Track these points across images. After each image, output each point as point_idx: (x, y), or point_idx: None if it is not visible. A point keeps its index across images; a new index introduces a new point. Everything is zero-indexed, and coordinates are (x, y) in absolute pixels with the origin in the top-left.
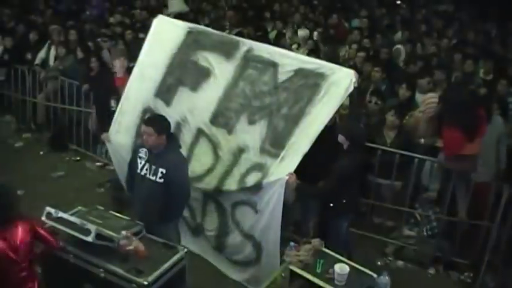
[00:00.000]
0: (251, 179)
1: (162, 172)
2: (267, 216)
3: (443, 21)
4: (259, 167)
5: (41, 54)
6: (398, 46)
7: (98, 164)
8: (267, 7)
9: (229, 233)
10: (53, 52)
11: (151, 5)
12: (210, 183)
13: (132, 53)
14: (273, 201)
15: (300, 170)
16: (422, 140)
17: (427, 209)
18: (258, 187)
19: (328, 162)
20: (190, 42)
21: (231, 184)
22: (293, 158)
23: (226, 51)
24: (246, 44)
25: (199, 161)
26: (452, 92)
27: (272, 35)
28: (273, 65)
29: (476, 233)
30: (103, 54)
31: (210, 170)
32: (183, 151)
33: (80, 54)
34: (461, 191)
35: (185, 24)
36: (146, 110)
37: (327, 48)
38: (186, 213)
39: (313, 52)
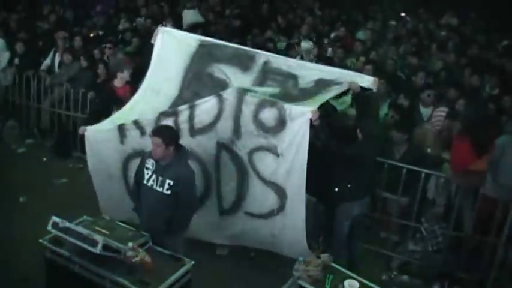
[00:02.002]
0: (266, 115)
1: (169, 184)
2: (291, 159)
3: (447, 34)
4: (270, 103)
5: (47, 61)
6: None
7: None
8: (272, 18)
9: (249, 182)
10: (57, 59)
11: (156, 13)
12: (223, 127)
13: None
14: (296, 142)
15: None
16: (429, 149)
17: (433, 224)
18: (278, 126)
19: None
20: (204, 55)
21: (247, 123)
22: (310, 103)
23: (243, 63)
24: (262, 56)
25: (207, 113)
26: (470, 108)
27: (281, 46)
28: (293, 77)
29: (483, 248)
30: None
31: (219, 115)
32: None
33: (84, 63)
34: (468, 206)
35: (196, 36)
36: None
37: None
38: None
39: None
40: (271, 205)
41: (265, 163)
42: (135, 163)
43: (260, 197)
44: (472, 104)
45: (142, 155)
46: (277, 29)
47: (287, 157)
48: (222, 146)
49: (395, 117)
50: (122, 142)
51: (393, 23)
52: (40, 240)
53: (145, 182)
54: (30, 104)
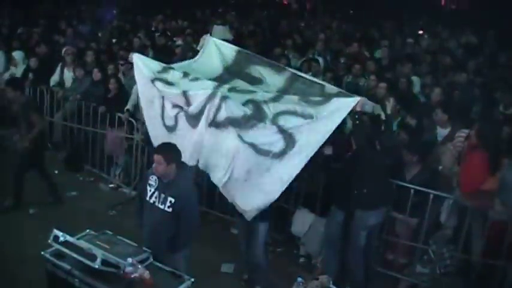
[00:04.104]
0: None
1: (171, 201)
2: (321, 123)
3: (465, 53)
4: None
5: (55, 77)
6: (413, 77)
7: (111, 185)
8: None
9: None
10: (67, 74)
11: (172, 28)
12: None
13: None
14: (334, 113)
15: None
16: (440, 167)
17: (442, 246)
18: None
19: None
20: (243, 59)
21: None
22: None
23: (276, 69)
24: (292, 70)
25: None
26: (485, 126)
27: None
28: (320, 84)
29: (492, 272)
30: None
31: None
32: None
33: (97, 76)
34: (477, 229)
35: (234, 46)
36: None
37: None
38: None
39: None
40: (272, 148)
41: (290, 121)
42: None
43: (267, 137)
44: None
45: (167, 84)
46: (292, 46)
47: (318, 121)
48: (250, 102)
49: (403, 136)
50: (158, 72)
51: (410, 40)
52: (42, 253)
53: (147, 198)
54: (43, 117)
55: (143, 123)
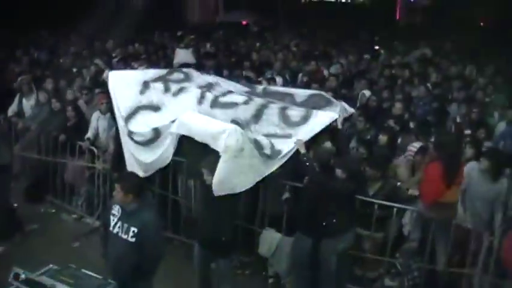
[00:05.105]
0: (293, 113)
1: (133, 231)
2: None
3: (422, 66)
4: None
5: (13, 106)
6: (364, 91)
7: (74, 216)
8: (246, 55)
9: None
10: (25, 103)
11: (129, 53)
12: (245, 110)
13: None
14: (313, 131)
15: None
16: (398, 183)
17: (408, 259)
18: (301, 121)
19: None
20: (214, 83)
21: (271, 115)
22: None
23: (245, 88)
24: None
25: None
26: (440, 140)
27: None
28: (289, 95)
29: (460, 281)
30: (79, 104)
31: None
32: None
33: (56, 106)
34: (441, 239)
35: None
36: None
37: None
38: None
39: None
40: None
41: (274, 143)
42: (142, 115)
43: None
44: (443, 134)
45: (153, 109)
46: (249, 66)
47: (294, 137)
48: (235, 124)
49: (361, 151)
50: (141, 92)
51: (367, 56)
52: None
53: (111, 228)
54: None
55: (104, 151)
